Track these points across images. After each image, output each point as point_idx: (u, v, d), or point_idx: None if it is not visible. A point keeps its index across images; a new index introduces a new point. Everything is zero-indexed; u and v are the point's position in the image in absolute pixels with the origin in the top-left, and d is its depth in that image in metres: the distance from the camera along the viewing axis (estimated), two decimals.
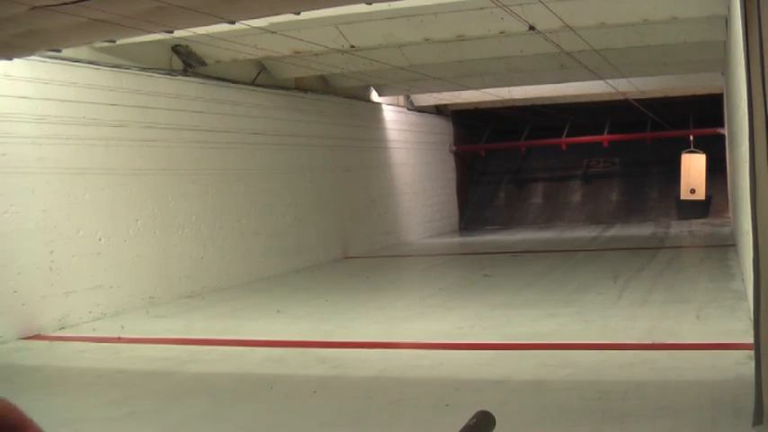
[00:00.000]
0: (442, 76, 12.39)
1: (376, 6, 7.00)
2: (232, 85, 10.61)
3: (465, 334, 6.58)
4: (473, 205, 19.94)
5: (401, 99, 16.23)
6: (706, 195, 17.27)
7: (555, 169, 20.08)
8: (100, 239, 8.18)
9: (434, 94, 15.94)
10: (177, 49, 9.53)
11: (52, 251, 7.64)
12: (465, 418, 1.12)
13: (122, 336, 7.20)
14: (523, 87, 15.28)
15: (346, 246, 13.47)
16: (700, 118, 17.71)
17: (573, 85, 14.60)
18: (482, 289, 9.23)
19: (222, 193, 10.24)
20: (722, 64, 11.64)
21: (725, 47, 9.99)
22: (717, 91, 14.91)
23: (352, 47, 9.39)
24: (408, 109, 16.68)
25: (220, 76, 10.31)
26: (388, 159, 15.52)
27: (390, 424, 4.31)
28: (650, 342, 5.87)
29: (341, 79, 12.88)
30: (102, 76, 8.47)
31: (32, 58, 7.40)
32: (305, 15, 7.04)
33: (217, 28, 6.99)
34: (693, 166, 17.21)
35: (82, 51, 8.05)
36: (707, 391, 4.51)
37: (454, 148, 19.12)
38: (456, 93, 15.10)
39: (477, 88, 14.11)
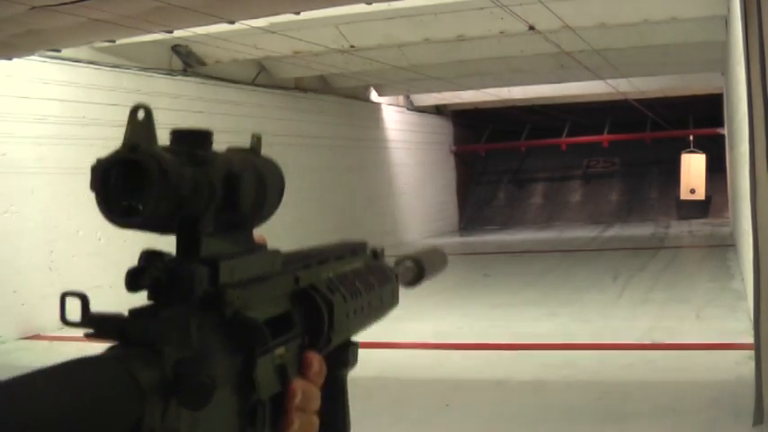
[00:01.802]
0: (442, 76, 12.39)
1: (376, 6, 7.00)
2: (232, 85, 10.61)
3: (465, 334, 6.58)
4: (473, 205, 19.94)
5: (401, 99, 16.23)
6: (706, 195, 17.27)
7: (555, 169, 20.08)
8: (100, 239, 8.18)
9: (434, 94, 15.94)
10: (177, 49, 9.53)
11: (52, 251, 7.65)
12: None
13: None
14: (523, 87, 15.27)
15: None
16: (700, 118, 17.70)
17: (573, 85, 14.59)
18: (482, 289, 9.24)
19: None
20: (722, 64, 11.64)
21: (725, 47, 9.99)
22: (717, 91, 14.90)
23: (352, 47, 9.39)
24: (408, 109, 16.67)
25: (220, 76, 10.31)
26: (388, 159, 15.51)
27: (390, 424, 4.31)
28: (650, 342, 5.87)
29: (341, 79, 12.88)
30: (102, 76, 8.47)
31: (32, 58, 7.40)
32: (305, 15, 7.04)
33: (217, 28, 6.99)
34: (693, 166, 17.21)
35: (82, 51, 8.05)
36: (707, 391, 4.52)
37: (454, 148, 19.12)
38: (456, 93, 15.10)
39: (477, 88, 14.11)
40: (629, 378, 4.90)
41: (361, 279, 0.79)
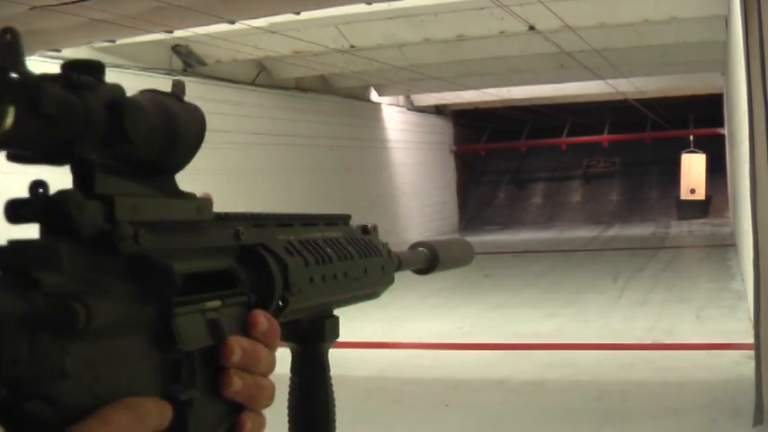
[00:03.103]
0: (442, 76, 12.39)
1: (376, 6, 7.00)
2: (232, 85, 10.61)
3: (465, 334, 6.58)
4: (473, 205, 19.93)
5: (401, 99, 16.23)
6: (706, 195, 17.27)
7: (555, 169, 20.07)
8: None
9: (434, 94, 15.94)
10: (177, 49, 9.53)
11: None
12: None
13: None
14: (523, 87, 15.27)
15: None
16: (700, 118, 17.71)
17: (573, 85, 14.60)
18: (482, 289, 9.24)
19: (222, 192, 10.21)
20: (722, 64, 11.64)
21: (725, 47, 9.99)
22: (717, 91, 14.90)
23: (352, 47, 9.39)
24: (408, 109, 16.67)
25: (220, 76, 10.30)
26: (388, 159, 15.51)
27: (390, 424, 4.31)
28: (650, 342, 5.87)
29: (341, 79, 12.88)
30: None
31: (32, 58, 7.41)
32: (305, 15, 7.04)
33: (217, 28, 6.99)
34: (693, 167, 17.21)
35: (82, 51, 8.05)
36: (707, 391, 4.52)
37: (454, 148, 19.12)
38: (456, 93, 15.10)
39: (477, 88, 14.12)
40: (629, 378, 4.90)
41: (334, 247, 0.75)
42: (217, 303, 0.57)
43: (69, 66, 0.51)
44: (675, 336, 6.06)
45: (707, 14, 8.60)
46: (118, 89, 0.53)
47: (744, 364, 4.84)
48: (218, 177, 10.21)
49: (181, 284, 0.52)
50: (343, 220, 0.81)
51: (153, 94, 0.57)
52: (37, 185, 0.51)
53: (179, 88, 0.59)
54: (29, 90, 0.46)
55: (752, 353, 4.22)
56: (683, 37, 9.87)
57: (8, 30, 0.46)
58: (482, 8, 8.20)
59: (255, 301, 0.62)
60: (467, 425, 4.21)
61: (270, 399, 0.60)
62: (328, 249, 0.73)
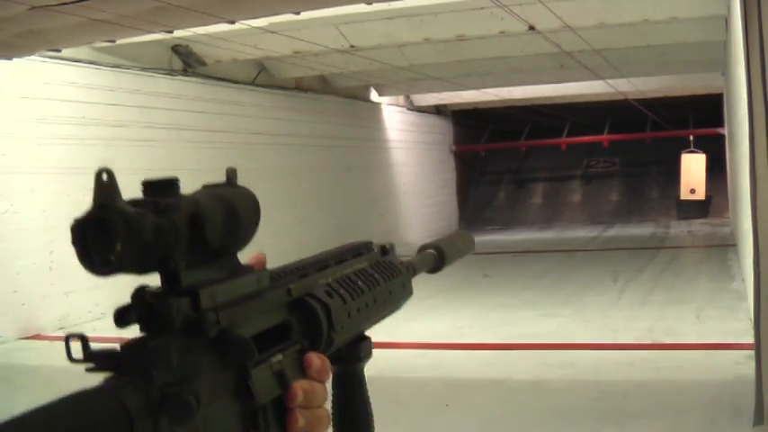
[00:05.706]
0: (442, 76, 12.39)
1: (376, 6, 7.00)
2: (232, 85, 10.61)
3: (465, 334, 6.58)
4: (473, 205, 19.93)
5: (401, 99, 16.22)
6: (706, 195, 17.27)
7: (555, 169, 20.07)
8: None
9: (434, 94, 15.93)
10: (177, 49, 9.53)
11: (52, 251, 7.64)
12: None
13: (122, 336, 7.19)
14: (523, 87, 15.26)
15: None
16: (700, 118, 17.71)
17: (573, 85, 14.59)
18: (482, 289, 9.24)
19: None
20: (722, 64, 11.64)
21: (725, 47, 9.99)
22: (717, 91, 14.90)
23: (352, 47, 9.39)
24: (408, 109, 16.67)
25: (220, 76, 10.30)
26: (388, 159, 15.51)
27: (390, 424, 4.30)
28: (650, 342, 5.87)
29: (341, 79, 12.88)
30: (102, 76, 8.47)
31: (32, 57, 7.40)
32: (305, 15, 7.04)
33: (217, 28, 6.99)
34: (693, 166, 17.21)
35: (82, 51, 8.05)
36: (707, 391, 4.52)
37: (454, 148, 19.12)
38: (456, 93, 15.09)
39: (477, 88, 14.11)
40: (629, 378, 4.90)
41: (364, 278, 0.86)
42: (280, 357, 0.68)
43: (150, 187, 0.60)
44: (675, 336, 6.07)
45: (707, 14, 8.60)
46: (194, 202, 0.62)
47: (744, 364, 4.84)
48: (218, 178, 10.19)
49: (255, 350, 0.62)
50: (366, 247, 0.93)
51: (213, 189, 0.68)
52: (137, 292, 0.60)
53: (232, 175, 0.72)
54: (130, 225, 0.56)
55: (752, 353, 4.22)
56: (683, 37, 9.87)
57: (104, 170, 0.56)
58: (482, 8, 8.20)
59: (308, 345, 0.73)
60: (467, 425, 4.21)
61: (326, 426, 0.71)
62: (360, 282, 0.84)
